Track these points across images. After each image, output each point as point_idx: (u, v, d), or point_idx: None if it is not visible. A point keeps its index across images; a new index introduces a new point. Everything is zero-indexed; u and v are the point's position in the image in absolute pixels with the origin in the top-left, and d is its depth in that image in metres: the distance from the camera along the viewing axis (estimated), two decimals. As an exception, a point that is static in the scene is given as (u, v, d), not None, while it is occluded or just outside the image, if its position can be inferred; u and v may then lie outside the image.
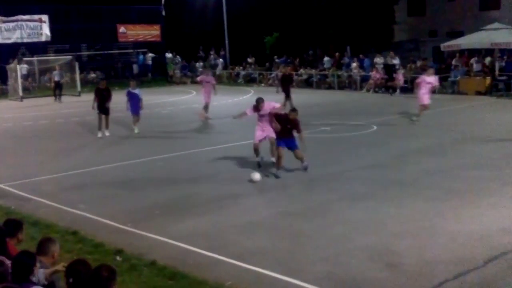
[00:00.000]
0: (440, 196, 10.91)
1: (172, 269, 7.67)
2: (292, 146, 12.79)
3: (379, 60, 32.73)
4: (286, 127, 12.70)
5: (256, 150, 13.22)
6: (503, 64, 28.90)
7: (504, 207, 10.04)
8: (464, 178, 12.16)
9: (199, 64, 42.48)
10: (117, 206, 10.90)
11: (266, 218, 9.88)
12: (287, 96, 23.06)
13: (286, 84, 23.78)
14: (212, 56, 43.49)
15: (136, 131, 19.21)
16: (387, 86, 30.30)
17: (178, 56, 43.92)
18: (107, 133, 18.61)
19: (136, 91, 19.38)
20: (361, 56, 34.53)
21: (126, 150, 16.67)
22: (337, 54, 36.50)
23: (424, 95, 19.51)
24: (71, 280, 4.91)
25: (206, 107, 22.28)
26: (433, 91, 21.95)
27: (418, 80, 20.22)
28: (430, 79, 19.75)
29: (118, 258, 8.05)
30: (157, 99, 29.77)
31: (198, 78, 24.15)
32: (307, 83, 35.26)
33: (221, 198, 11.18)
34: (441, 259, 7.80)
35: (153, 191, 11.92)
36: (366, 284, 7.16)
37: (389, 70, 30.53)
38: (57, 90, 31.32)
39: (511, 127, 18.36)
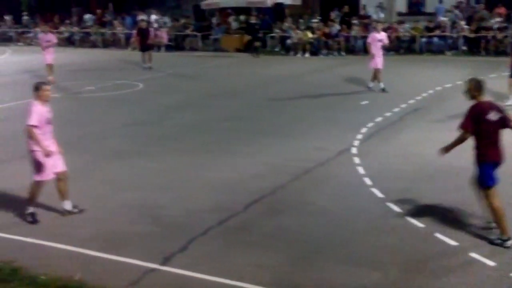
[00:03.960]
0: (199, 148, 11.39)
1: None
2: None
3: (142, 17, 32.43)
4: None
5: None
6: (259, 22, 30.55)
7: (257, 155, 10.81)
8: (220, 130, 12.82)
9: None
10: None
11: (23, 185, 9.31)
12: (146, 50, 23.49)
13: (144, 39, 23.77)
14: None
15: None
16: (254, 47, 27.72)
17: None
18: None
19: None
20: (124, 14, 34.00)
21: None
22: (99, 11, 35.37)
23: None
24: None
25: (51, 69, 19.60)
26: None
27: (368, 40, 17.66)
28: (380, 36, 17.29)
29: None
30: None
31: (43, 43, 19.91)
32: (69, 42, 33.76)
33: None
34: (204, 208, 8.19)
35: None
36: (134, 238, 7.24)
37: (252, 29, 28.38)
38: None
39: (264, 81, 19.68)
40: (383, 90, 16.79)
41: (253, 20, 28.56)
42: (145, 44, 23.69)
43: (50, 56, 19.73)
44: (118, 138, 12.26)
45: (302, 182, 9.28)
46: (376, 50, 17.00)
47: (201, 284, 6.13)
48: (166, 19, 32.30)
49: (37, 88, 7.83)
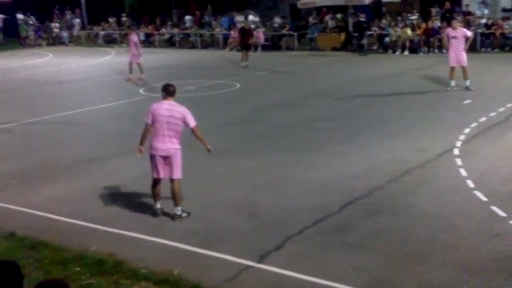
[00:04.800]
0: (296, 147, 11.37)
1: (33, 239, 7.38)
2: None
3: (239, 18, 32.94)
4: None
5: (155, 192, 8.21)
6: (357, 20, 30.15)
7: (354, 155, 10.64)
8: (316, 130, 12.74)
9: (54, 25, 40.28)
10: (-31, 177, 10.22)
11: (128, 180, 9.70)
12: (246, 50, 24.37)
13: (245, 38, 24.82)
14: (68, 16, 41.37)
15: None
16: (359, 45, 27.95)
17: (32, 17, 41.24)
18: None
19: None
20: (220, 16, 34.59)
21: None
22: (197, 12, 36.22)
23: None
24: None
25: (136, 68, 21.24)
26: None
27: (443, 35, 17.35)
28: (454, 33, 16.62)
29: (-30, 232, 7.59)
30: (11, 63, 28.03)
31: (130, 37, 22.25)
32: (170, 43, 34.81)
33: (83, 163, 10.86)
34: (300, 207, 8.17)
35: (7, 159, 11.29)
36: (231, 235, 7.35)
37: (360, 27, 28.34)
38: None
39: (361, 80, 19.37)
40: (452, 88, 16.42)
41: (362, 18, 28.21)
42: (245, 43, 24.61)
43: (133, 55, 21.19)
44: (215, 137, 12.38)
45: (400, 183, 9.05)
46: (452, 47, 16.53)
47: (297, 283, 6.11)
48: (277, 19, 32.31)
49: (175, 90, 8.40)
